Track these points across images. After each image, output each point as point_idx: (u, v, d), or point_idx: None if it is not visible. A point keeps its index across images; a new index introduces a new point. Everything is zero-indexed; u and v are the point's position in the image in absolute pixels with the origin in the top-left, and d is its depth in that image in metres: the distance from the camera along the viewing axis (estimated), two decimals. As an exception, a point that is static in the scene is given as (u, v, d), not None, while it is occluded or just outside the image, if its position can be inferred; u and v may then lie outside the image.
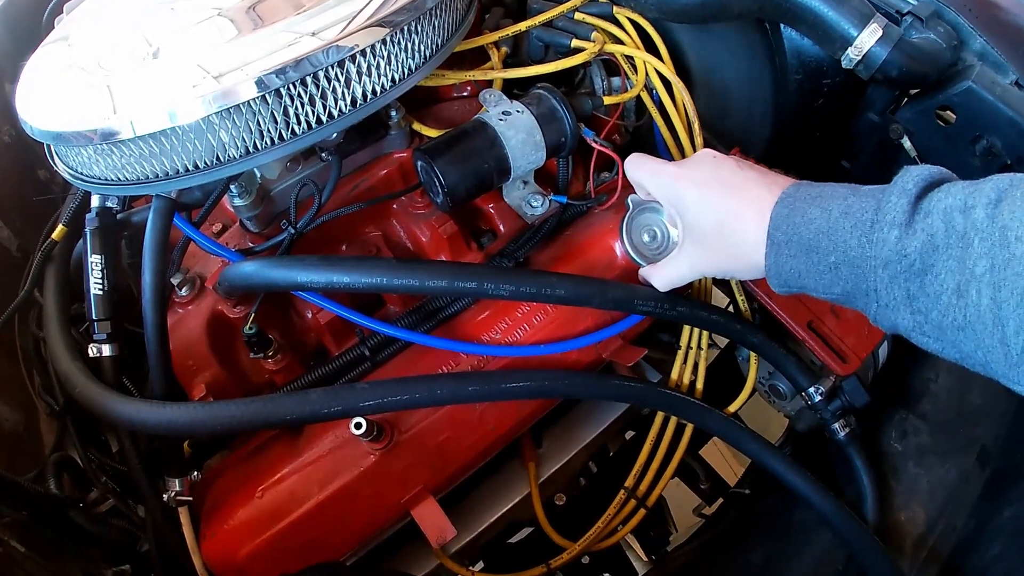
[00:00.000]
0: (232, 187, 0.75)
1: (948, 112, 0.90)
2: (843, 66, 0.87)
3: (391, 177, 0.85)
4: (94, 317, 0.76)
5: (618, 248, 0.82)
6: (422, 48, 0.69)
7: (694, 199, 0.61)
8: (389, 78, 0.67)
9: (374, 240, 0.87)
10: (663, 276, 0.71)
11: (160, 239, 0.69)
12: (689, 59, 0.99)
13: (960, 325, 0.44)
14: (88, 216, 0.78)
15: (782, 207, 0.55)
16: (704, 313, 0.81)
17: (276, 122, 0.62)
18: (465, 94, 0.93)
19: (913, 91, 0.93)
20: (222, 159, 0.63)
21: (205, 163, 0.64)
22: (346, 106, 0.65)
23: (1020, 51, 0.89)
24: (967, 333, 0.44)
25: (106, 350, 0.76)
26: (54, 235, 0.84)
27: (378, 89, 0.66)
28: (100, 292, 0.76)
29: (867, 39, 0.84)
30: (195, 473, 0.76)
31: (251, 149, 0.63)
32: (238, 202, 0.76)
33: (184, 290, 0.80)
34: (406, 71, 0.68)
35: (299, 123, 0.63)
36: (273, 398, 0.68)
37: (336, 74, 0.63)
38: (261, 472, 0.75)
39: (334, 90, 0.63)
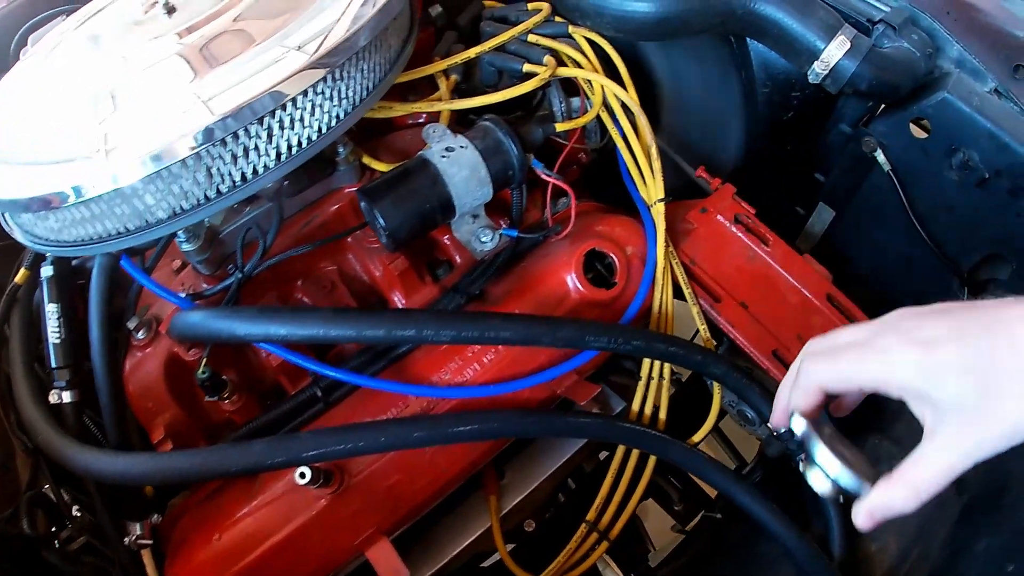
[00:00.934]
0: (179, 232, 0.75)
1: (924, 123, 0.85)
2: (810, 80, 0.83)
3: (343, 212, 0.84)
4: (53, 365, 0.78)
5: (570, 281, 0.80)
6: (351, 94, 0.68)
7: (948, 356, 0.45)
8: (315, 128, 0.66)
9: (329, 275, 0.87)
10: (930, 474, 0.47)
11: (102, 295, 0.70)
12: (655, 73, 0.96)
13: None
14: (43, 265, 0.79)
15: None
16: (662, 345, 0.79)
17: (199, 184, 0.62)
18: (421, 121, 0.91)
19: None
20: (150, 222, 0.63)
21: (136, 226, 0.64)
22: (271, 161, 0.64)
23: (1000, 55, 0.83)
24: None
25: (66, 396, 0.78)
26: (17, 279, 0.85)
27: (303, 141, 0.65)
28: (58, 341, 0.78)
29: (834, 52, 0.80)
30: (156, 516, 0.78)
31: (177, 211, 0.63)
32: (186, 247, 0.76)
33: (140, 333, 0.81)
34: (334, 119, 0.67)
35: (223, 182, 0.63)
36: (218, 449, 0.69)
37: (256, 131, 0.62)
38: (218, 515, 0.76)
39: (256, 147, 0.62)
